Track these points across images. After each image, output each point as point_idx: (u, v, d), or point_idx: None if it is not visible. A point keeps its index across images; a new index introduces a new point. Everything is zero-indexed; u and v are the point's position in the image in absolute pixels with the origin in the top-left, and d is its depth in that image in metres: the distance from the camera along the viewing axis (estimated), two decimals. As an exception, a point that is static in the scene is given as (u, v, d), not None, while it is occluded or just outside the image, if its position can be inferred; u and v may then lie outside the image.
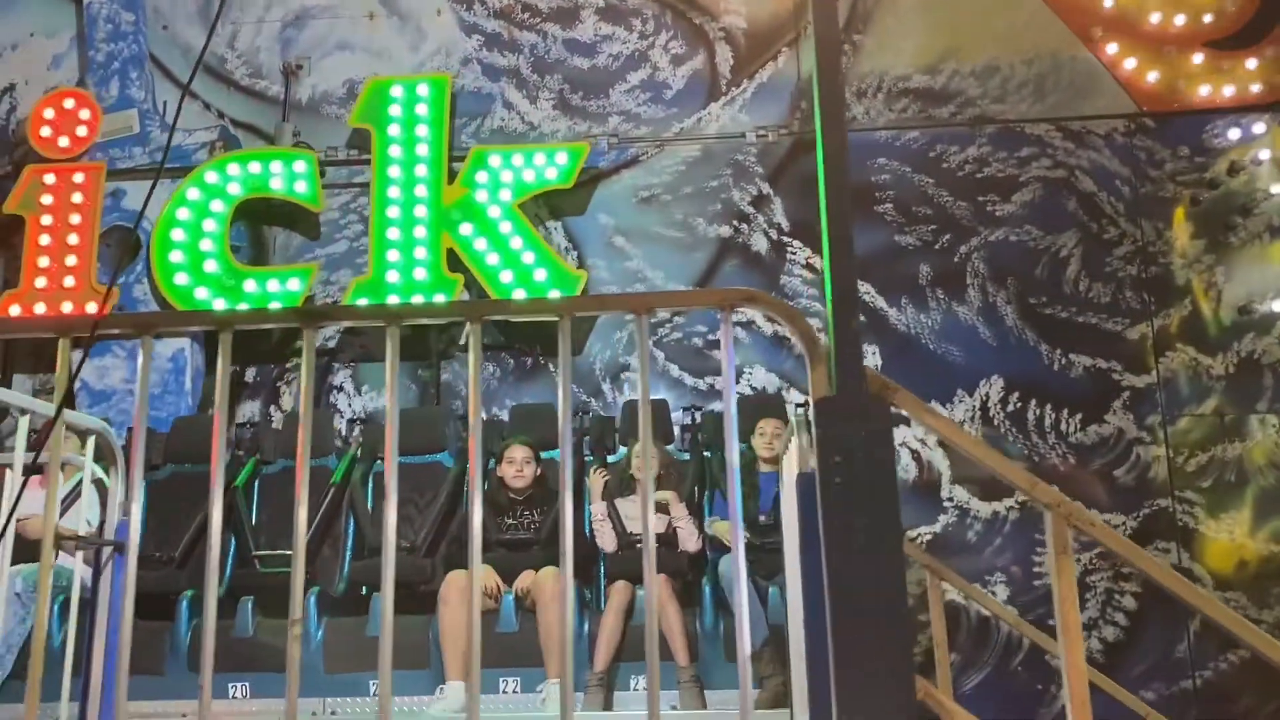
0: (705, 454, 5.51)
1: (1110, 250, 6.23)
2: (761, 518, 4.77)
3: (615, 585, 4.57)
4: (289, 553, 4.64)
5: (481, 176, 6.18)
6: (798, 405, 4.84)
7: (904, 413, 2.12)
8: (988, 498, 5.94)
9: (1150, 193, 6.29)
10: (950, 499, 6.01)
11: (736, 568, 2.03)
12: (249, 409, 6.34)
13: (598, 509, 4.98)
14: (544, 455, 5.13)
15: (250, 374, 6.46)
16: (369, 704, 4.47)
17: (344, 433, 6.06)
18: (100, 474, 3.30)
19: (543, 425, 5.35)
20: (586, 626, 4.54)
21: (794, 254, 6.39)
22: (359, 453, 5.59)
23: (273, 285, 6.06)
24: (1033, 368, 6.11)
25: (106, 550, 2.68)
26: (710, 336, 6.30)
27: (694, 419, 5.82)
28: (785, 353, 6.26)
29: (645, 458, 2.04)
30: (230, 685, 4.63)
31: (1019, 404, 6.03)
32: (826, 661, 1.74)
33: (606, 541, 4.89)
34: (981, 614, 5.72)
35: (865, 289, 6.26)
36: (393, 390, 2.10)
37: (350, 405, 6.33)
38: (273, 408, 6.31)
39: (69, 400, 2.04)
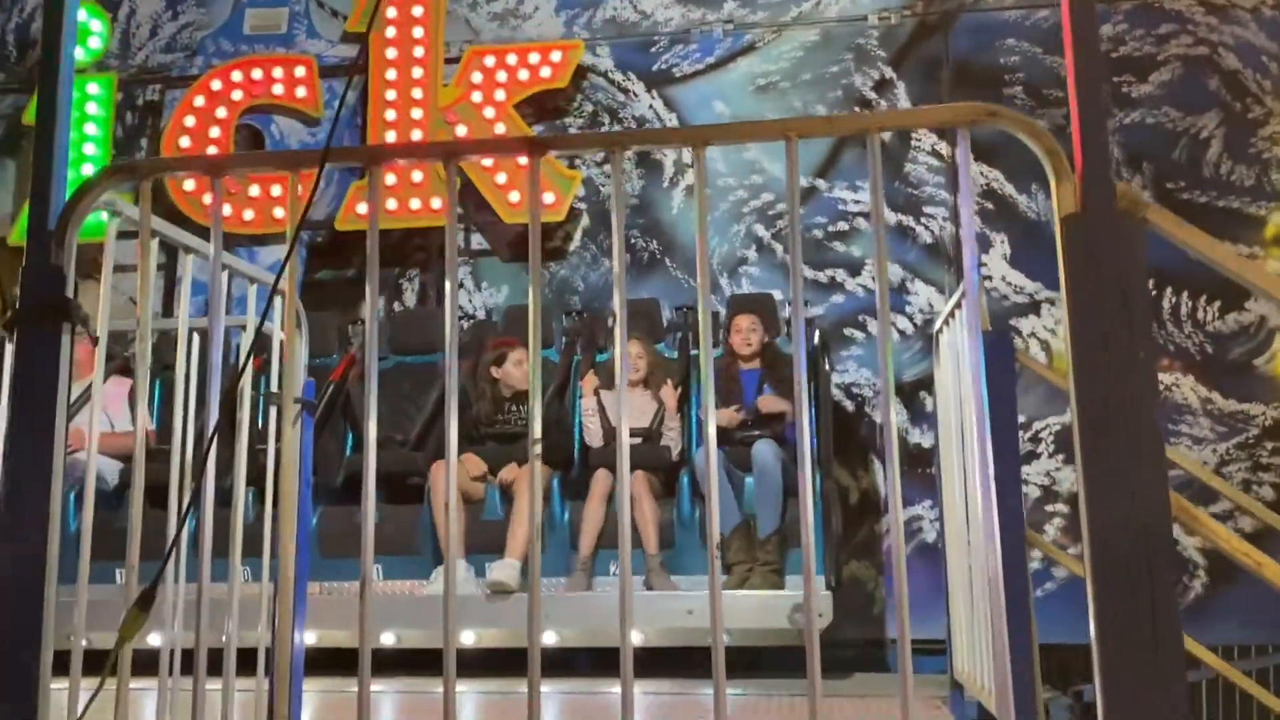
0: (693, 352, 5.45)
1: (1255, 130, 5.94)
2: (741, 414, 4.96)
3: (596, 474, 4.73)
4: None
5: (476, 77, 6.23)
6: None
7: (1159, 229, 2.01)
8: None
9: (1300, 68, 5.96)
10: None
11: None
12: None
13: (588, 403, 5.13)
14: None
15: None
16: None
17: (463, 329, 6.09)
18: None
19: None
20: (567, 515, 4.72)
21: (918, 140, 6.20)
22: (357, 351, 5.69)
23: (276, 189, 6.09)
24: (1169, 254, 5.83)
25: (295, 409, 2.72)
26: (830, 228, 6.17)
27: (686, 318, 5.75)
28: (909, 243, 6.11)
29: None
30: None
31: (1154, 291, 5.83)
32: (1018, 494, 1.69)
33: (593, 437, 5.07)
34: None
35: (994, 175, 6.07)
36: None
37: (470, 301, 6.36)
38: (396, 304, 6.36)
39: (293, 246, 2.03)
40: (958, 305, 3.24)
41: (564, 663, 4.74)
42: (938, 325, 3.52)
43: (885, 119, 2.01)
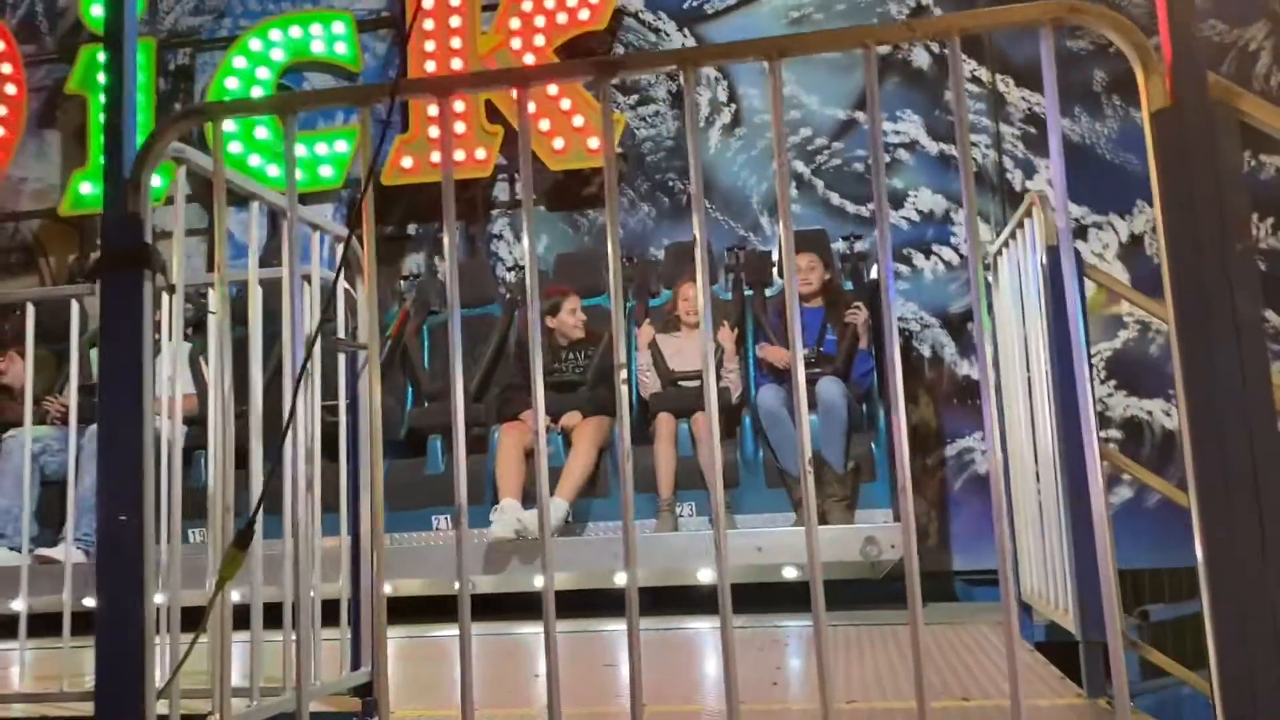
0: (746, 291, 5.39)
1: (1306, 39, 5.79)
2: (804, 351, 4.86)
3: (659, 417, 4.73)
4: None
5: (514, 23, 6.17)
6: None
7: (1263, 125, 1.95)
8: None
9: (1350, -28, 5.79)
10: (1131, 314, 5.79)
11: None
12: (413, 261, 6.42)
13: (643, 358, 5.10)
14: (593, 301, 5.41)
15: (411, 229, 6.51)
16: (429, 537, 4.76)
17: (507, 280, 6.09)
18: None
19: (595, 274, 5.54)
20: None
21: (958, 67, 6.08)
22: (411, 308, 5.67)
23: (320, 148, 6.10)
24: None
25: (362, 356, 2.73)
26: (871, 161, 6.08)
27: (738, 259, 5.67)
28: (953, 172, 6.03)
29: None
30: (433, 517, 4.79)
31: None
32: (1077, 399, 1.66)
33: (647, 389, 5.06)
34: (1166, 428, 5.58)
35: (1035, 98, 5.96)
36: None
37: (511, 253, 6.35)
38: (436, 259, 6.36)
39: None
40: (1019, 224, 3.19)
41: (649, 602, 4.78)
42: (995, 247, 3.47)
43: (965, 20, 1.94)
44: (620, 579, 4.37)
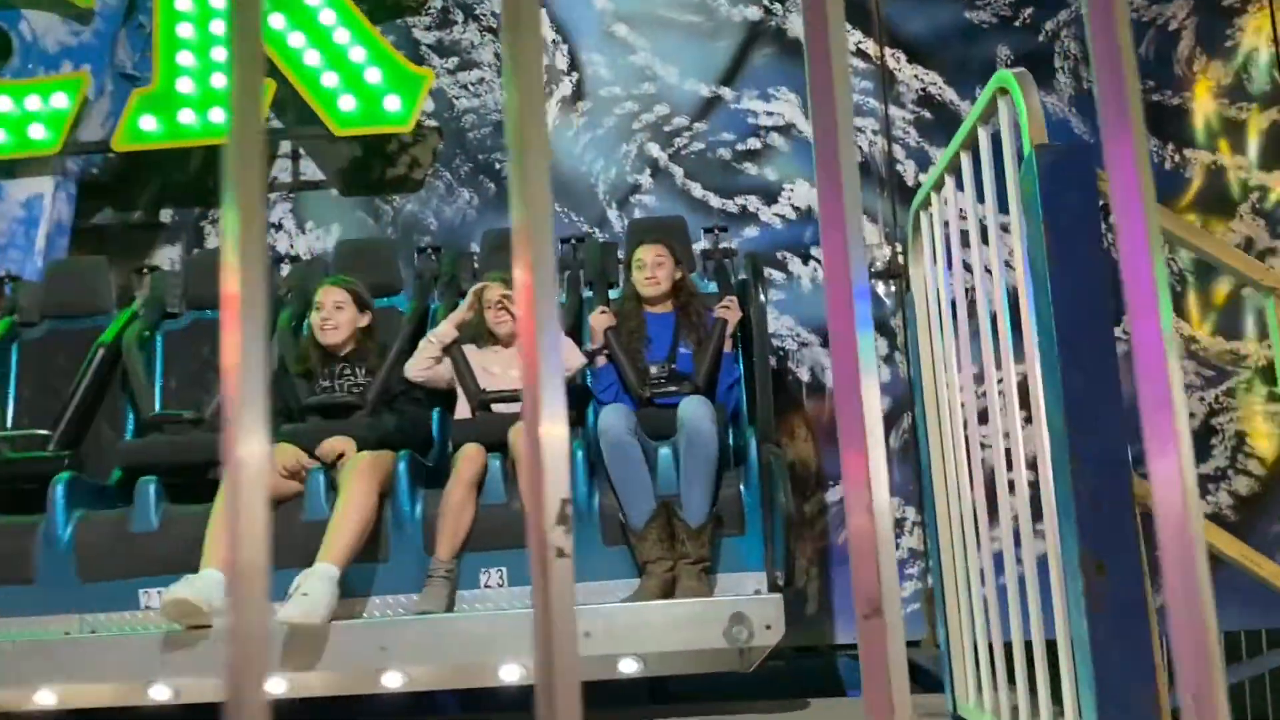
0: (586, 293, 4.33)
1: (1230, 20, 5.04)
2: (654, 369, 3.78)
3: (463, 452, 3.49)
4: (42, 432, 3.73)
5: None
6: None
7: None
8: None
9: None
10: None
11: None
12: (167, 254, 5.06)
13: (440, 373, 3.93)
14: (385, 302, 4.19)
15: (166, 215, 5.17)
16: (138, 619, 3.40)
17: (282, 277, 4.77)
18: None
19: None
20: (420, 508, 3.45)
21: (841, 37, 5.13)
22: (144, 304, 4.36)
23: (32, 102, 4.71)
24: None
25: None
26: (740, 146, 5.06)
27: (574, 252, 4.58)
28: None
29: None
30: (141, 592, 3.46)
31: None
32: None
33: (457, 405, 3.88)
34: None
35: (931, 78, 5.05)
36: None
37: (293, 246, 5.06)
38: (196, 252, 5.02)
39: None
40: (966, 145, 2.14)
41: (418, 708, 3.55)
42: (921, 197, 2.40)
43: None
44: (391, 679, 3.12)
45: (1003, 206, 1.93)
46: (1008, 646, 2.03)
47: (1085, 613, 1.47)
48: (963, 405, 2.21)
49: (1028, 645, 1.90)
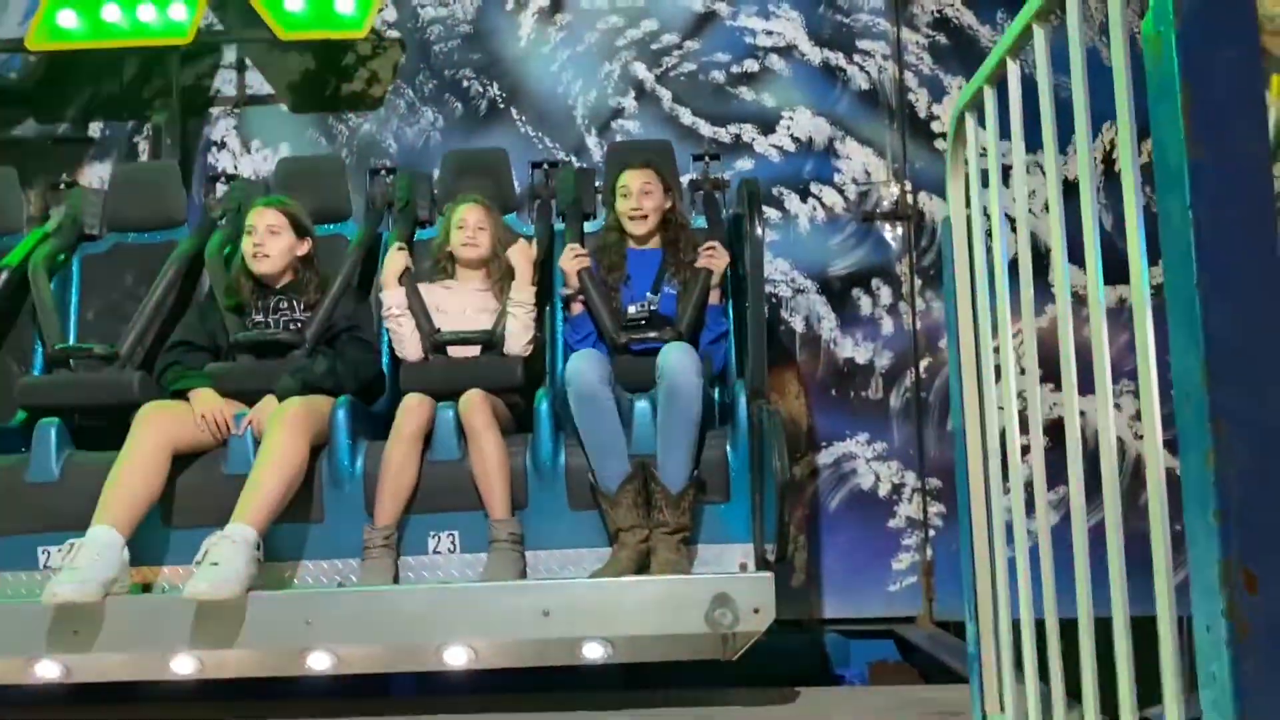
0: (557, 225, 3.84)
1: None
2: (632, 309, 3.35)
3: (405, 402, 3.02)
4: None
5: None
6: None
7: None
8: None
9: None
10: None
11: None
12: (96, 172, 4.55)
13: (393, 298, 3.35)
14: (330, 230, 3.75)
15: (96, 129, 4.64)
16: (36, 580, 2.93)
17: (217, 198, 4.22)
18: None
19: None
20: (360, 463, 3.00)
21: (851, -50, 4.62)
22: (59, 224, 3.84)
23: None
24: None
25: None
26: (735, 69, 4.57)
27: (545, 179, 4.07)
28: (839, 88, 4.56)
29: None
30: (40, 550, 3.01)
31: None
32: None
33: (408, 347, 3.31)
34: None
35: (949, 1, 4.56)
36: None
37: (236, 165, 4.55)
38: (121, 166, 4.49)
39: None
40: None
41: (349, 693, 3.12)
42: (968, 94, 1.93)
43: None
44: (317, 660, 2.68)
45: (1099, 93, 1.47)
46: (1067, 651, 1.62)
47: (1226, 642, 1.04)
48: (1020, 355, 1.77)
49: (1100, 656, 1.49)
